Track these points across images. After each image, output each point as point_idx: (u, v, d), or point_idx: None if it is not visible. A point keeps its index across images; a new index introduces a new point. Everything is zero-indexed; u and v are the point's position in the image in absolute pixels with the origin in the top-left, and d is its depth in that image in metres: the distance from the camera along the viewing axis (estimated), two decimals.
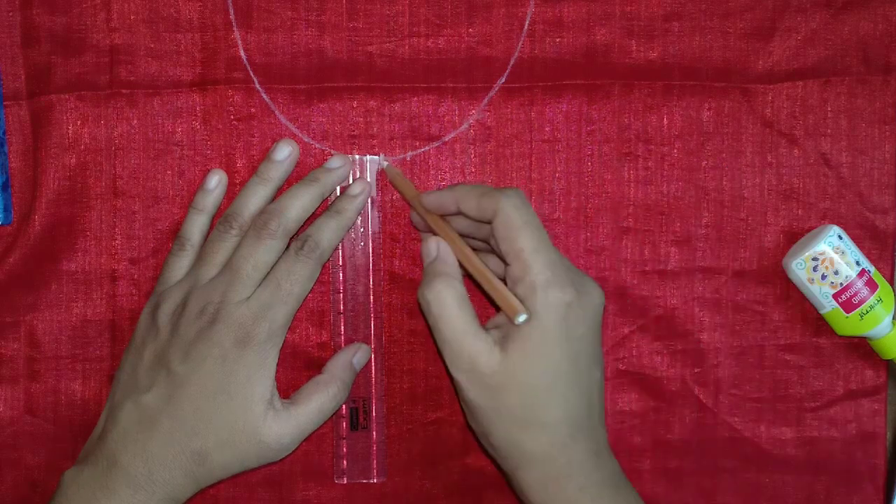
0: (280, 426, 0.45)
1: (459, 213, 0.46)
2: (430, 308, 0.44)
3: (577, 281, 0.44)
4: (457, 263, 0.46)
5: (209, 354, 0.44)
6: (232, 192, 0.51)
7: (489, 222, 0.45)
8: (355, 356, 0.50)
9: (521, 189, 0.46)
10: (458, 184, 0.48)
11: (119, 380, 0.47)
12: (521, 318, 0.42)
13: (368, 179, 0.51)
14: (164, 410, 0.44)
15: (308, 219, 0.49)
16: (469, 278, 0.46)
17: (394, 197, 0.52)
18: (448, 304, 0.44)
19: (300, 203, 0.48)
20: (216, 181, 0.50)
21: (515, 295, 0.43)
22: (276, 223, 0.47)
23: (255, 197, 0.48)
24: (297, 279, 0.46)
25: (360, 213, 0.50)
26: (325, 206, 0.50)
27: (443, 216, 0.48)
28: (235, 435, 0.44)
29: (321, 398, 0.47)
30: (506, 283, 0.44)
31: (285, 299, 0.46)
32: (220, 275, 0.46)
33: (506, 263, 0.44)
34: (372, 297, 0.51)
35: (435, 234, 0.48)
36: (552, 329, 0.42)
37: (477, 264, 0.45)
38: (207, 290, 0.46)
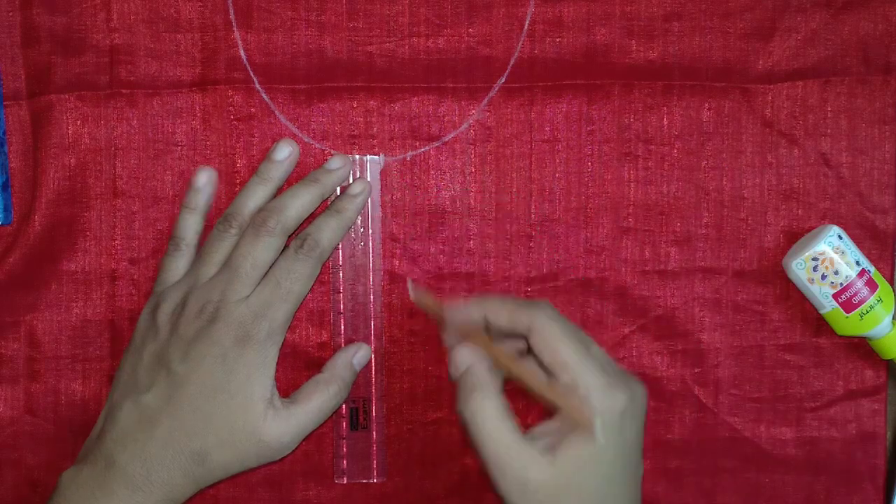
0: (280, 425, 0.45)
1: (487, 324, 0.45)
2: (472, 424, 0.42)
3: (627, 384, 0.42)
4: (488, 373, 0.43)
5: (209, 353, 0.44)
6: (232, 193, 0.51)
7: (523, 336, 0.43)
8: (356, 356, 0.50)
9: (550, 303, 0.45)
10: (484, 296, 0.47)
11: (118, 380, 0.47)
12: (599, 423, 0.41)
13: (368, 179, 0.51)
14: (164, 410, 0.44)
15: (307, 220, 0.49)
16: (515, 384, 0.45)
17: (394, 197, 0.52)
18: (490, 417, 0.42)
19: (299, 202, 0.48)
20: (205, 178, 0.50)
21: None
22: (274, 220, 0.46)
23: (255, 196, 0.48)
24: (297, 277, 0.46)
25: (360, 213, 0.50)
26: (324, 208, 0.50)
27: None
28: (235, 434, 0.44)
29: (322, 397, 0.47)
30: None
31: (285, 297, 0.45)
32: (218, 273, 0.46)
33: (548, 373, 0.43)
34: (372, 297, 0.51)
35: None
36: (608, 438, 0.41)
37: (524, 368, 0.44)
38: (206, 290, 0.46)
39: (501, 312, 0.44)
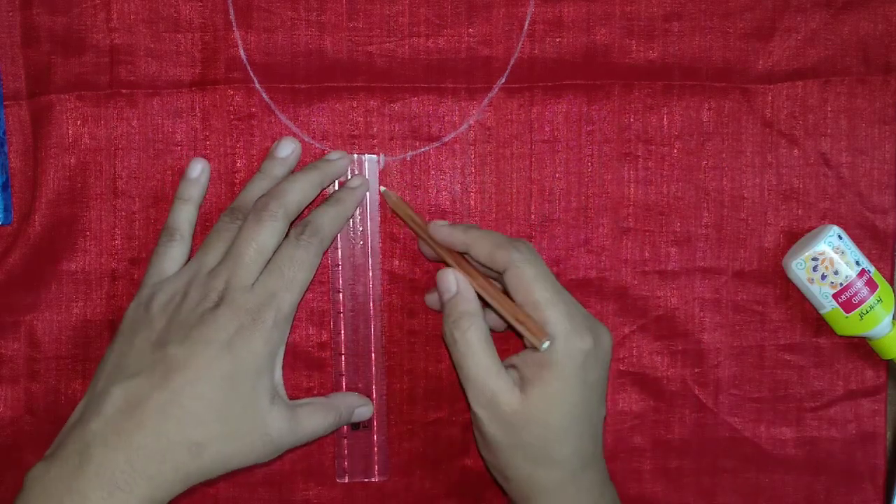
0: (284, 423, 0.44)
1: (467, 253, 0.47)
2: (457, 346, 0.45)
3: (593, 328, 0.45)
4: (477, 299, 0.47)
5: (214, 339, 0.42)
6: (232, 192, 0.51)
7: (500, 272, 0.46)
8: (360, 408, 0.50)
9: (530, 243, 0.47)
10: (470, 226, 0.48)
11: (102, 370, 0.44)
12: (546, 344, 0.44)
13: (367, 177, 0.51)
14: (158, 396, 0.41)
15: (306, 212, 0.49)
16: (487, 307, 0.47)
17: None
18: (474, 342, 0.45)
19: (299, 186, 0.47)
20: (199, 169, 0.50)
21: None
22: (276, 204, 0.46)
23: (260, 191, 0.48)
24: (300, 265, 0.45)
25: (358, 206, 0.50)
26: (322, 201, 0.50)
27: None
28: (240, 425, 0.42)
29: (322, 420, 0.46)
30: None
31: (289, 286, 0.45)
32: (222, 262, 0.45)
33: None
34: (372, 297, 0.51)
35: (446, 264, 0.48)
36: (571, 376, 0.44)
37: (498, 296, 0.46)
38: (210, 279, 0.45)
39: (483, 246, 0.46)
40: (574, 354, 0.44)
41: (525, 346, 0.46)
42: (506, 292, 0.46)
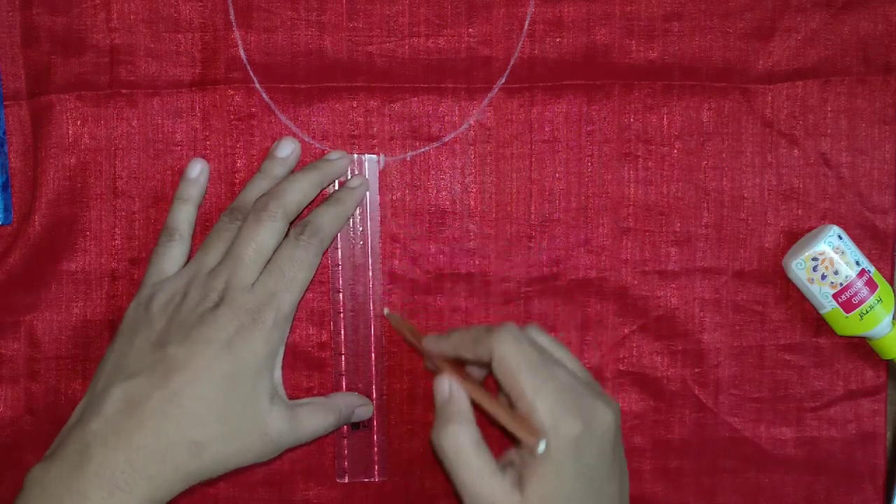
0: (283, 423, 0.44)
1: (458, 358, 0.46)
2: (447, 453, 0.43)
3: (585, 408, 0.42)
4: (469, 404, 0.44)
5: (214, 339, 0.42)
6: (232, 192, 0.51)
7: (489, 365, 0.44)
8: (359, 408, 0.50)
9: (511, 324, 0.44)
10: (453, 330, 0.47)
11: (102, 370, 0.44)
12: (542, 446, 0.41)
13: (367, 178, 0.51)
14: (158, 396, 0.41)
15: (306, 211, 0.49)
16: (482, 413, 0.45)
17: (394, 197, 0.52)
18: (465, 448, 0.42)
19: (298, 186, 0.47)
20: (198, 170, 0.50)
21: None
22: (275, 204, 0.46)
23: (260, 191, 0.48)
24: (300, 265, 0.45)
25: (358, 205, 0.50)
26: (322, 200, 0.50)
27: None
28: (241, 425, 0.42)
29: (321, 420, 0.46)
30: None
31: (289, 286, 0.45)
32: (221, 263, 0.45)
33: (511, 404, 0.43)
34: (372, 297, 0.51)
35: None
36: (565, 465, 0.41)
37: (487, 398, 0.44)
38: (210, 279, 0.45)
39: (466, 346, 0.44)
40: (564, 444, 0.41)
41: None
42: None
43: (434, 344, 0.47)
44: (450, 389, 0.45)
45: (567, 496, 0.41)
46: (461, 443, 0.42)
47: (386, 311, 0.51)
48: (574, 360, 0.46)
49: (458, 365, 0.46)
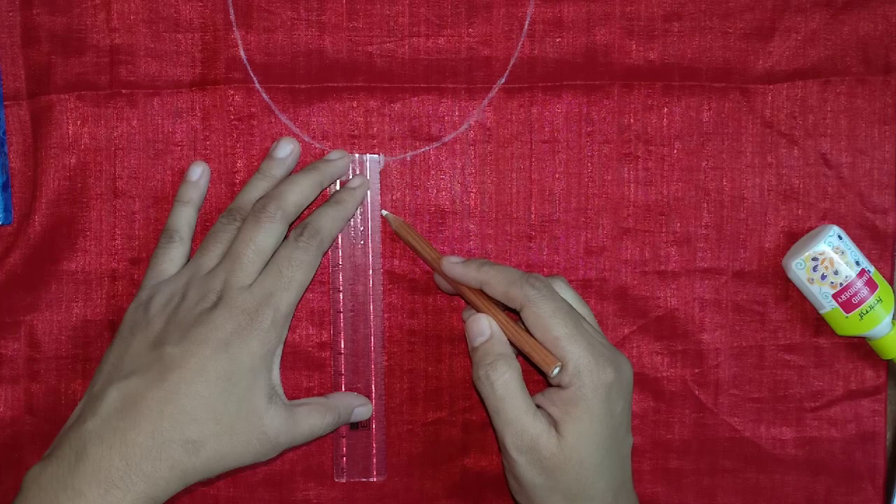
0: (281, 422, 0.44)
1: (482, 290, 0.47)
2: (496, 389, 0.44)
3: (614, 359, 0.45)
4: (509, 344, 0.46)
5: (210, 338, 0.42)
6: (232, 193, 0.51)
7: (516, 309, 0.46)
8: (358, 407, 0.50)
9: (539, 276, 0.46)
10: (483, 262, 0.48)
11: (101, 371, 0.44)
12: (556, 370, 0.44)
13: (368, 178, 0.51)
14: (154, 395, 0.41)
15: (306, 211, 0.49)
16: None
17: (394, 197, 0.52)
18: (513, 386, 0.44)
19: (298, 188, 0.47)
20: (199, 172, 0.50)
21: (561, 378, 0.44)
22: (274, 206, 0.46)
23: (258, 191, 0.48)
24: (299, 266, 0.45)
25: (358, 206, 0.50)
26: (323, 201, 0.50)
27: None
28: (237, 423, 0.42)
29: (319, 420, 0.46)
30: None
31: (287, 286, 0.45)
32: (220, 263, 0.45)
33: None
34: (372, 297, 0.51)
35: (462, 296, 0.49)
36: (599, 411, 0.44)
37: (511, 328, 0.46)
38: (208, 279, 0.45)
39: (498, 284, 0.46)
40: (599, 388, 0.44)
41: (548, 385, 0.46)
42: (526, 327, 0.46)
43: (460, 270, 0.48)
44: (490, 327, 0.47)
45: (597, 440, 0.44)
46: (510, 380, 0.44)
47: (384, 212, 0.51)
48: (593, 318, 0.49)
49: (479, 292, 0.48)
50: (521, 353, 0.47)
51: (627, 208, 0.52)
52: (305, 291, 0.47)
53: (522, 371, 0.45)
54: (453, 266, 0.48)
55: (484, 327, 0.46)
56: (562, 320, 0.44)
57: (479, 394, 0.46)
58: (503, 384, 0.44)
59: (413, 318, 0.52)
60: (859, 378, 0.53)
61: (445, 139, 0.52)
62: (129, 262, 0.51)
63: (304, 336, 0.52)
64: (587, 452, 0.44)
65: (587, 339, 0.44)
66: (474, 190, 0.52)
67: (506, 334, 0.46)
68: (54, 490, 0.40)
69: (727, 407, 0.53)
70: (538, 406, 0.45)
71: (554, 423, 0.44)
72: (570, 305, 0.46)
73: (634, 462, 0.53)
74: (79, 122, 0.50)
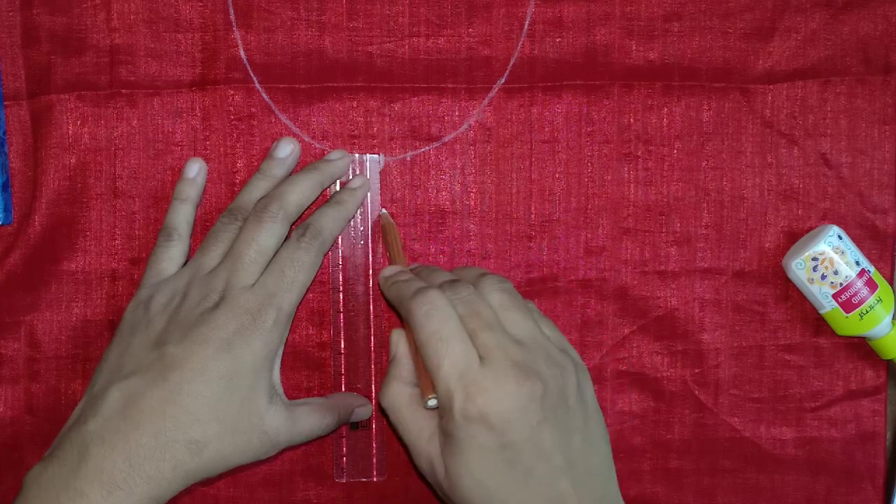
0: (281, 421, 0.44)
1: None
2: (388, 412, 0.45)
3: (516, 376, 0.41)
4: (410, 360, 0.46)
5: (213, 338, 0.42)
6: (232, 193, 0.51)
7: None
8: (358, 409, 0.50)
9: (487, 276, 0.46)
10: (400, 275, 0.48)
11: (100, 371, 0.44)
12: (430, 402, 0.43)
13: (368, 178, 0.51)
14: (156, 395, 0.41)
15: (307, 212, 0.49)
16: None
17: (394, 197, 0.52)
18: (402, 409, 0.45)
19: (299, 188, 0.47)
20: (196, 169, 0.50)
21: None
22: (276, 206, 0.46)
23: (259, 191, 0.48)
24: (301, 266, 0.45)
25: (359, 207, 0.50)
26: (323, 201, 0.50)
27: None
28: (239, 424, 0.42)
29: (319, 421, 0.46)
30: None
31: (290, 287, 0.45)
32: (222, 263, 0.45)
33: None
34: (372, 297, 0.51)
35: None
36: (471, 445, 0.41)
37: (414, 351, 0.45)
38: (210, 279, 0.45)
39: (395, 301, 0.46)
40: (465, 422, 0.41)
41: None
42: None
43: (384, 279, 0.49)
44: (397, 346, 0.47)
45: (481, 474, 0.41)
46: (399, 403, 0.45)
47: (383, 211, 0.51)
48: (528, 319, 0.44)
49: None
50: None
51: (627, 208, 0.52)
52: (306, 292, 0.47)
53: None
54: (385, 273, 0.49)
55: (392, 342, 0.47)
56: (432, 349, 0.42)
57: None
58: (393, 408, 0.45)
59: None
60: (859, 378, 0.53)
61: (445, 139, 0.52)
62: (129, 262, 0.51)
63: (304, 336, 0.52)
64: (469, 487, 0.41)
65: (462, 364, 0.41)
66: (474, 190, 0.52)
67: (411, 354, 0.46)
68: (55, 490, 0.39)
69: (727, 407, 0.53)
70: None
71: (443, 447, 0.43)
72: (458, 322, 0.43)
73: (634, 461, 0.53)
74: (79, 122, 0.50)
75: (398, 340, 0.47)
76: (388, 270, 0.49)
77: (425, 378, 0.43)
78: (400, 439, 0.45)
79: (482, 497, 0.41)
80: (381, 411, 0.46)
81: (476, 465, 0.41)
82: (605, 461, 0.45)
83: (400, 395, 0.45)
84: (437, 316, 0.43)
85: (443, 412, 0.42)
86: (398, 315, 0.48)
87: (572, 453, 0.42)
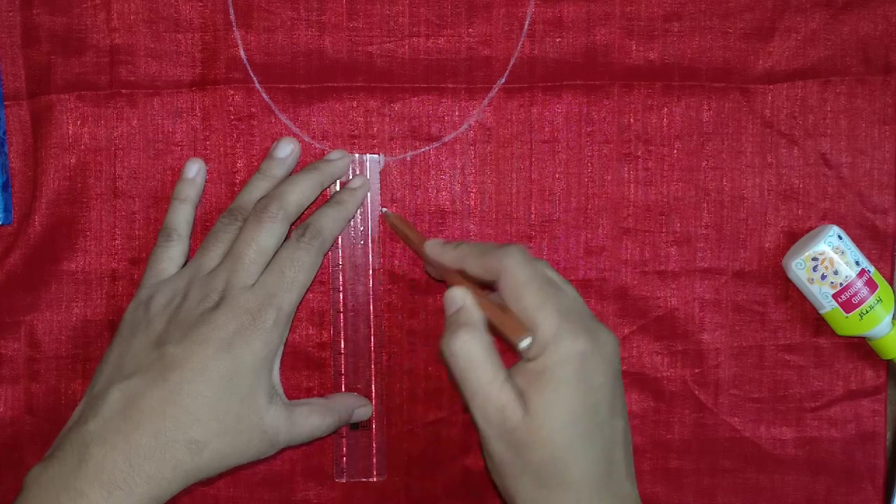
0: (281, 421, 0.44)
1: (462, 269, 0.45)
2: (458, 360, 0.42)
3: (590, 329, 0.42)
4: (478, 311, 0.43)
5: (213, 338, 0.42)
6: (232, 193, 0.51)
7: (495, 282, 0.43)
8: (358, 409, 0.50)
9: (521, 245, 0.44)
10: (461, 242, 0.47)
11: (100, 371, 0.44)
12: (525, 342, 0.41)
13: (368, 178, 0.51)
14: (156, 395, 0.41)
15: (307, 212, 0.49)
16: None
17: (393, 197, 0.52)
18: (476, 353, 0.42)
19: (299, 188, 0.47)
20: (196, 169, 0.50)
21: (530, 352, 0.41)
22: (276, 206, 0.46)
23: (259, 191, 0.48)
24: (301, 266, 0.45)
25: (359, 207, 0.50)
26: (323, 201, 0.50)
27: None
28: (239, 423, 0.42)
29: (319, 421, 0.46)
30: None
31: (290, 287, 0.45)
32: (222, 263, 0.45)
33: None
34: (372, 297, 0.51)
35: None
36: (568, 381, 0.40)
37: (488, 304, 0.44)
38: (210, 279, 0.45)
39: (473, 259, 0.44)
40: (569, 358, 0.40)
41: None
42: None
43: (438, 251, 0.47)
44: (464, 298, 0.44)
45: (567, 415, 0.40)
46: (472, 349, 0.42)
47: (383, 209, 0.51)
48: (579, 296, 0.45)
49: (460, 275, 0.46)
50: (497, 334, 0.44)
51: (627, 208, 0.52)
52: (306, 292, 0.47)
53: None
54: (432, 247, 0.47)
55: (457, 297, 0.44)
56: (533, 286, 0.42)
57: (446, 368, 0.43)
58: (465, 353, 0.41)
59: (413, 318, 0.52)
60: (859, 378, 0.53)
61: (445, 139, 0.52)
62: (129, 262, 0.51)
63: (304, 336, 0.52)
64: (554, 428, 0.40)
65: (559, 307, 0.41)
66: (474, 190, 0.52)
67: (480, 307, 0.44)
68: (56, 491, 0.39)
69: (727, 407, 0.53)
70: (516, 375, 0.42)
71: (522, 394, 0.41)
72: (548, 275, 0.43)
73: (635, 461, 0.53)
74: (79, 122, 0.50)
75: (462, 295, 0.44)
76: (435, 241, 0.48)
77: (512, 323, 0.42)
78: (463, 388, 0.42)
79: (563, 442, 0.40)
80: (444, 361, 0.43)
81: (566, 405, 0.40)
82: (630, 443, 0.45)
83: (472, 340, 0.42)
84: (533, 263, 0.43)
85: (541, 350, 0.41)
86: (452, 283, 0.46)
87: (624, 421, 0.43)
